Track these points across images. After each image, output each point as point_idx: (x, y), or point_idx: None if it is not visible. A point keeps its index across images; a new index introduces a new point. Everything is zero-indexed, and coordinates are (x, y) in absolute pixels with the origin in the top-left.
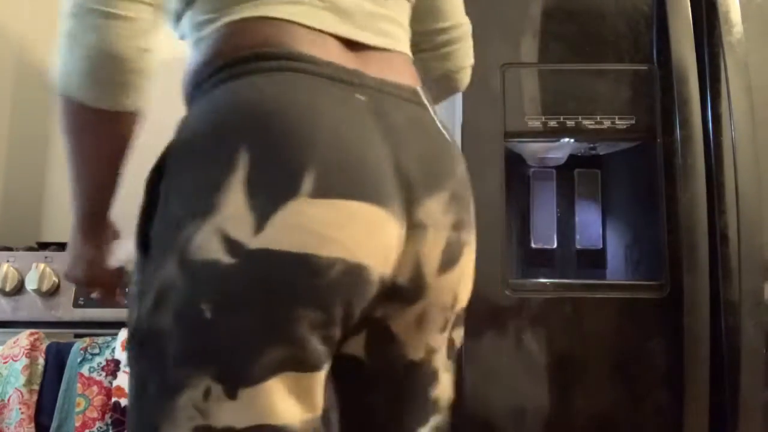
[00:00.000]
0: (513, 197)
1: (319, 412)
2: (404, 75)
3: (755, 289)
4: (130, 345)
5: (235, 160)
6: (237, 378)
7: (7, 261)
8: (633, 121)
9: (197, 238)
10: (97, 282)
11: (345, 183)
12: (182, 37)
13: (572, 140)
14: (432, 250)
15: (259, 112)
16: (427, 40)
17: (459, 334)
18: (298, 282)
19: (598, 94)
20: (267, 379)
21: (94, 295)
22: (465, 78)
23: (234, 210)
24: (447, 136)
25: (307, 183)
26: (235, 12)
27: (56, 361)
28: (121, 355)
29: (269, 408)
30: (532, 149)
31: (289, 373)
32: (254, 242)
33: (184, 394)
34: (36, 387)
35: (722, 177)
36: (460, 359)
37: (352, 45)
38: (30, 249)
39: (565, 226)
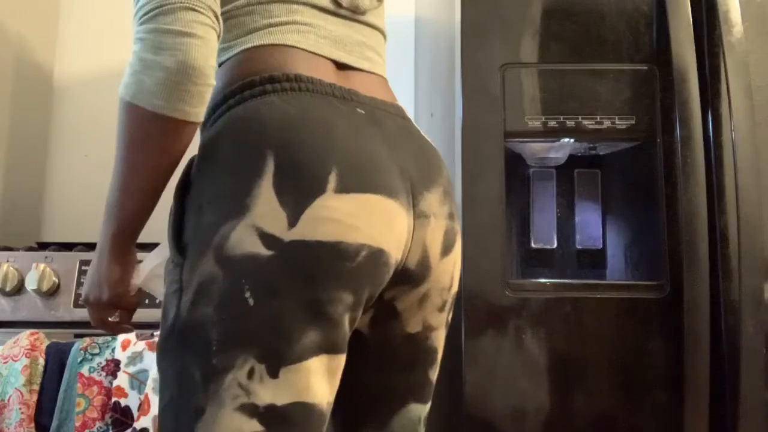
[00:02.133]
0: (513, 197)
1: (334, 395)
2: (385, 94)
3: (755, 289)
4: (169, 340)
5: (262, 166)
6: (279, 358)
7: (7, 261)
8: (633, 121)
9: (234, 236)
10: (121, 303)
11: (363, 180)
12: None
13: (572, 140)
14: (435, 236)
15: (280, 125)
16: None
17: (450, 317)
18: (331, 266)
19: (598, 94)
20: (306, 359)
21: (112, 318)
22: None
23: (267, 209)
24: (431, 142)
25: (331, 181)
26: (248, 41)
27: (56, 361)
28: (122, 355)
29: (306, 386)
30: (532, 149)
31: (324, 355)
32: (289, 235)
33: (229, 375)
34: (36, 387)
35: (722, 177)
36: (459, 359)
37: (342, 67)
38: (30, 249)
39: (565, 226)
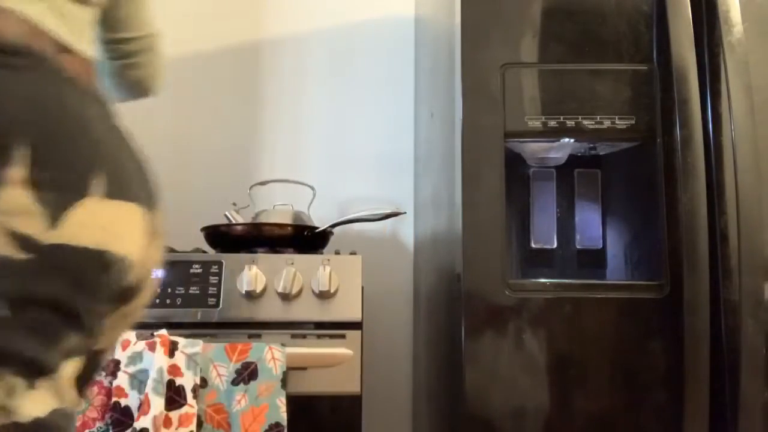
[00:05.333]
0: (513, 197)
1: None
2: None
3: (755, 289)
4: None
5: (9, 154)
6: (37, 369)
7: None
8: (633, 121)
9: None
10: None
11: (123, 186)
12: None
13: (572, 140)
14: (155, 252)
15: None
16: (115, 49)
17: None
18: (95, 276)
19: (598, 94)
20: (60, 366)
21: None
22: (155, 86)
23: (19, 205)
24: None
25: (99, 184)
26: None
27: None
28: (121, 355)
29: (63, 393)
30: (532, 149)
31: (75, 359)
32: (50, 237)
33: None
34: None
35: (722, 177)
36: (459, 359)
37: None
38: None
39: (565, 226)
